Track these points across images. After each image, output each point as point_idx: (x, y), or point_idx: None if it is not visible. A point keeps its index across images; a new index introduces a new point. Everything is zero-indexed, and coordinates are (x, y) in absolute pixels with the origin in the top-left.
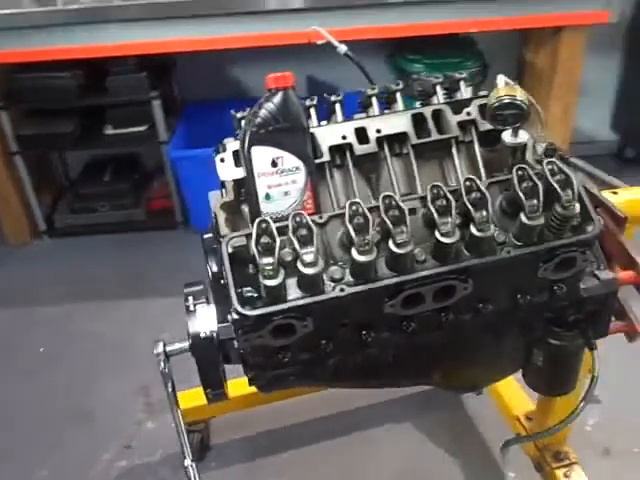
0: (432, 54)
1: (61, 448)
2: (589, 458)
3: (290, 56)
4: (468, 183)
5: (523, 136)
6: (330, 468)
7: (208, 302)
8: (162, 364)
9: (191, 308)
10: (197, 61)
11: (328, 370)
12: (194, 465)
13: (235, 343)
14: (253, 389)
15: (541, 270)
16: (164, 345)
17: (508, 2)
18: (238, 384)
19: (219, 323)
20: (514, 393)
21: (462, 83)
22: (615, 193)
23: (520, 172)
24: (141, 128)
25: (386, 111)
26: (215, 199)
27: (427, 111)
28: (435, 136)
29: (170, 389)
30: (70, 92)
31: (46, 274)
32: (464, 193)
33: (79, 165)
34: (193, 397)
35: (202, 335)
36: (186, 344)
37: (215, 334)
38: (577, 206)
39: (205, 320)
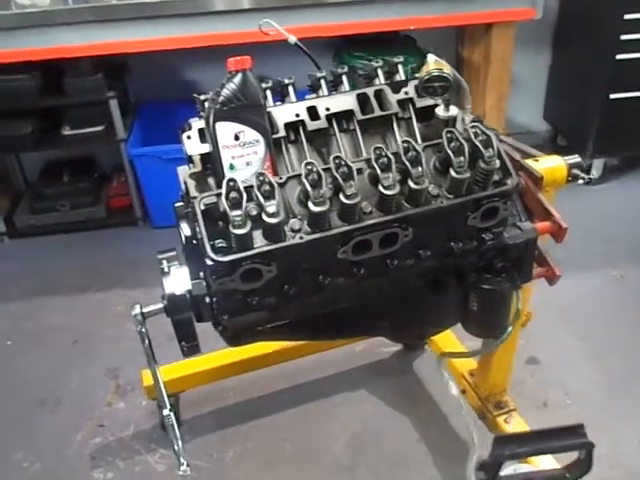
0: (375, 51)
1: (34, 432)
2: (529, 410)
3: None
4: (405, 144)
5: (453, 110)
6: (293, 432)
7: (181, 264)
8: (139, 325)
9: (165, 270)
10: (151, 62)
11: (291, 314)
12: (172, 414)
13: (206, 299)
14: (220, 362)
15: (470, 219)
16: (141, 307)
17: (443, 1)
18: (205, 359)
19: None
20: None
21: (400, 67)
22: (536, 160)
23: (449, 134)
24: (99, 128)
25: (334, 92)
26: (184, 172)
27: (370, 91)
28: (378, 112)
29: (147, 346)
30: (29, 94)
31: (8, 273)
32: (402, 152)
33: (36, 168)
34: (164, 373)
35: (177, 293)
36: (160, 305)
37: (188, 292)
38: (497, 162)
39: (179, 279)
